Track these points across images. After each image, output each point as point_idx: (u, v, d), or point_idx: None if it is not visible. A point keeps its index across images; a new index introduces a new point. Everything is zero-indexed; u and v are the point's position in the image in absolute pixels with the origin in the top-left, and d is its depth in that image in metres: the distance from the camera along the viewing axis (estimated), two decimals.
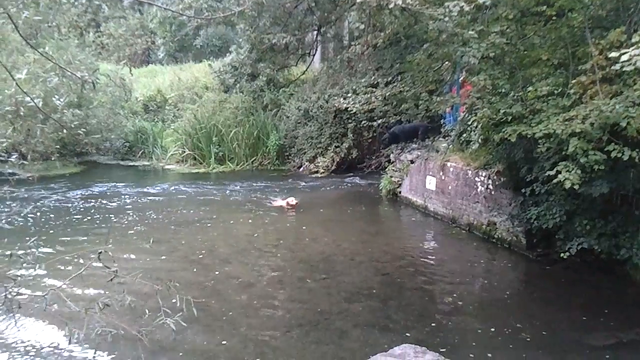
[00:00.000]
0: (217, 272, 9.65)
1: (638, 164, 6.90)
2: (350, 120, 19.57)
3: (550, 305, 8.34)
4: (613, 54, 5.73)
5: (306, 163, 20.68)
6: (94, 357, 6.60)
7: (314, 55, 22.66)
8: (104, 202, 15.35)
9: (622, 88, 6.94)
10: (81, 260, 9.54)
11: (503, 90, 9.05)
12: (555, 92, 8.23)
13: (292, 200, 14.38)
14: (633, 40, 5.91)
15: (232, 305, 8.24)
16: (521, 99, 8.59)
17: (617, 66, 5.75)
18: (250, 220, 13.16)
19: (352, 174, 19.71)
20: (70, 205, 14.80)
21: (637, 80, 6.65)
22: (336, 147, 20.03)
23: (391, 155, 16.76)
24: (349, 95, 16.92)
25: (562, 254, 8.82)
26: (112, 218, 13.48)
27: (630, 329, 7.25)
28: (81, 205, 14.77)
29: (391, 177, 15.91)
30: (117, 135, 23.46)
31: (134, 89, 25.45)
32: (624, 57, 5.50)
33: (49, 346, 6.93)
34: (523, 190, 9.65)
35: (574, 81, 7.57)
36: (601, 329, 7.37)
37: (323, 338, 7.14)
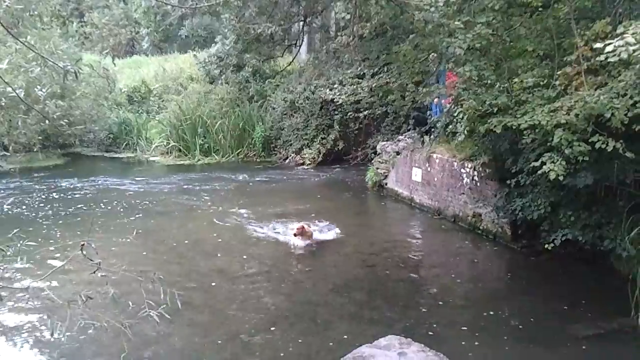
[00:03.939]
0: (201, 265, 9.59)
1: (622, 155, 6.92)
2: (336, 112, 19.51)
3: (534, 296, 8.39)
4: (598, 45, 5.74)
5: (292, 155, 20.60)
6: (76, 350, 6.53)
7: (300, 46, 22.56)
8: (88, 194, 15.23)
9: (606, 79, 6.98)
10: (64, 253, 9.49)
11: (489, 82, 9.04)
12: (541, 83, 8.25)
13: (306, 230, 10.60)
14: (618, 31, 5.92)
15: (217, 297, 8.21)
16: (507, 90, 8.60)
17: (602, 57, 5.76)
18: (234, 213, 13.08)
19: (338, 165, 19.68)
20: (53, 197, 14.65)
21: (621, 72, 6.68)
22: (322, 138, 19.96)
23: (377, 147, 16.75)
24: (335, 86, 16.92)
25: (546, 245, 8.85)
26: (96, 210, 13.36)
27: (612, 320, 7.28)
28: (65, 197, 14.63)
29: (377, 168, 15.88)
30: (100, 127, 23.24)
31: (117, 80, 25.20)
32: (609, 48, 5.50)
33: (30, 339, 6.86)
34: (508, 182, 9.66)
35: (559, 72, 7.60)
36: (583, 319, 7.41)
37: (308, 330, 7.13)
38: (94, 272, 4.43)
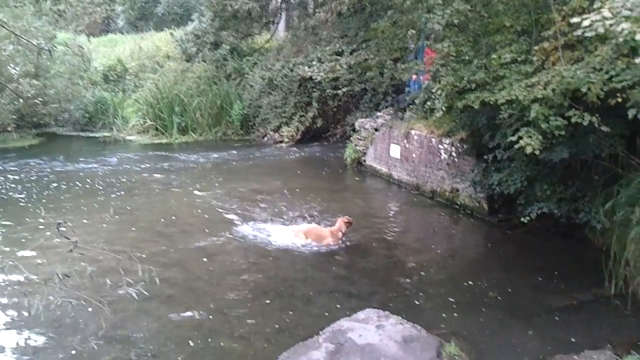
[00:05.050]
0: (180, 242, 9.55)
1: (598, 130, 7.00)
2: (315, 89, 19.42)
3: (511, 268, 8.51)
4: (575, 20, 5.75)
5: (271, 132, 20.52)
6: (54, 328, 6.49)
7: (278, 23, 22.38)
8: (64, 173, 15.05)
9: (583, 54, 7.02)
10: (41, 232, 9.41)
11: (467, 58, 9.05)
12: (519, 59, 8.27)
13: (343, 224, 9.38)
14: (595, 5, 5.93)
15: (196, 275, 8.19)
16: (484, 66, 8.61)
17: (579, 32, 5.77)
18: (212, 191, 13.03)
19: (317, 143, 19.69)
20: (29, 177, 14.47)
21: (598, 46, 6.71)
22: (301, 116, 19.89)
23: (356, 124, 16.74)
24: (314, 63, 16.78)
25: (522, 219, 8.97)
26: (72, 189, 13.23)
27: (587, 290, 7.43)
28: (41, 177, 14.46)
29: (355, 145, 15.90)
30: (76, 106, 22.93)
31: (93, 59, 24.86)
32: (585, 23, 5.50)
33: (8, 317, 6.81)
34: (485, 157, 9.75)
35: (536, 48, 7.61)
36: (558, 290, 7.55)
37: (288, 305, 7.15)
38: (71, 251, 4.41)
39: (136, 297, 4.43)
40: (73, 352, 6.00)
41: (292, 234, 9.55)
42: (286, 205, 11.63)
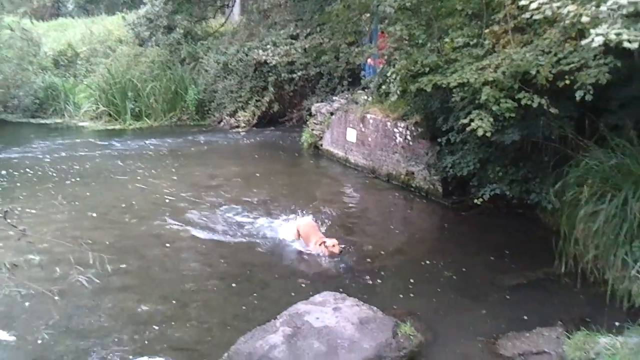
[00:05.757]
0: (135, 229, 9.43)
1: (547, 112, 7.15)
2: (270, 74, 19.27)
3: (465, 249, 8.66)
4: (523, 2, 5.83)
5: (226, 117, 20.29)
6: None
7: (232, 6, 22.10)
8: (15, 160, 14.64)
9: (532, 37, 7.12)
10: None
11: (420, 41, 9.10)
12: (470, 42, 8.36)
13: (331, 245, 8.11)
14: None
15: (151, 262, 8.10)
16: (437, 49, 8.68)
17: (527, 15, 5.85)
18: (168, 177, 12.87)
19: (273, 128, 19.58)
20: None
21: (546, 29, 6.83)
22: (257, 101, 19.71)
23: (312, 108, 16.72)
24: (269, 47, 16.66)
25: (476, 201, 9.15)
26: (24, 177, 12.88)
27: (538, 269, 7.61)
28: None
29: (312, 130, 15.89)
30: (25, 92, 22.22)
31: (43, 43, 24.14)
32: (533, 6, 5.58)
33: None
34: (439, 140, 9.85)
35: (487, 31, 7.70)
36: (510, 270, 7.75)
37: (245, 290, 7.15)
38: (19, 239, 4.31)
39: (87, 286, 4.35)
40: (23, 343, 5.87)
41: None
42: (243, 191, 11.59)
